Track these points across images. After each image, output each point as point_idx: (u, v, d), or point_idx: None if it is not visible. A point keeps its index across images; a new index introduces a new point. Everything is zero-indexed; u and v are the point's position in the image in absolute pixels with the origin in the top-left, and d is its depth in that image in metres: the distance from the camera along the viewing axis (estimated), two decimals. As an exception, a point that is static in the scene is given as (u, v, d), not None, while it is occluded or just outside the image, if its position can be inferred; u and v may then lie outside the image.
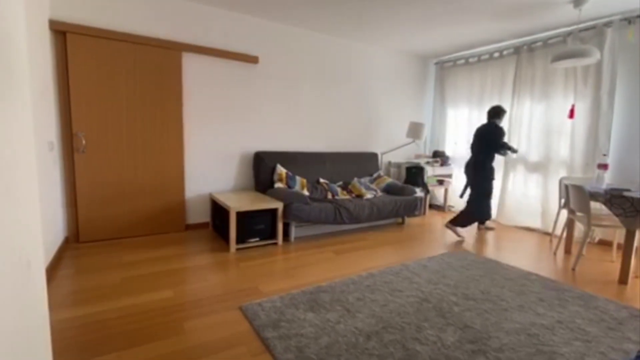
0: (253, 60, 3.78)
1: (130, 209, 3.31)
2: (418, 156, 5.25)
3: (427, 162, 4.92)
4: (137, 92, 3.22)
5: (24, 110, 1.00)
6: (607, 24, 3.40)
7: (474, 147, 3.83)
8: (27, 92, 1.04)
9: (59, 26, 2.82)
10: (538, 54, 4.00)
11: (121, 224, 3.29)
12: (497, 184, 4.50)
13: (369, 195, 3.92)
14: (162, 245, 3.13)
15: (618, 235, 3.21)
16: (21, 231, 0.95)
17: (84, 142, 3.04)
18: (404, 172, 4.94)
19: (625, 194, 2.55)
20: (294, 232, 3.43)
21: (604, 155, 3.32)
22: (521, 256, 3.17)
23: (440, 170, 4.98)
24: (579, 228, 3.50)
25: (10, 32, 0.92)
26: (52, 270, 2.44)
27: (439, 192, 5.29)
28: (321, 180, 4.11)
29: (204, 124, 3.64)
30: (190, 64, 3.48)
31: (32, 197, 1.05)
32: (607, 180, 3.26)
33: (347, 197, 3.88)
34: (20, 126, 0.97)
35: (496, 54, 4.44)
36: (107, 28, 3.05)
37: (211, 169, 3.74)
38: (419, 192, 4.26)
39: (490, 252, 3.27)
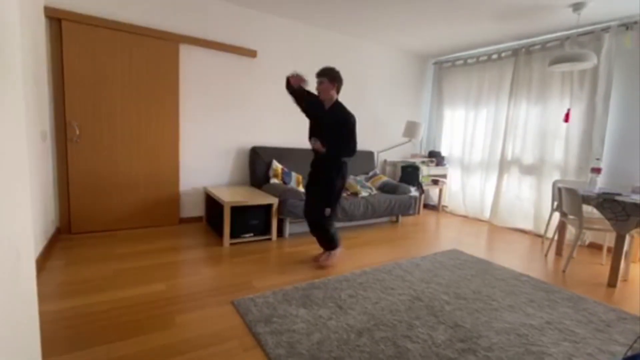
0: (251, 54, 3.75)
1: (124, 201, 3.28)
2: (414, 155, 5.27)
3: (423, 162, 4.93)
4: (132, 82, 3.18)
5: (15, 97, 0.98)
6: (605, 29, 3.43)
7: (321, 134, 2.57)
8: (20, 79, 1.02)
9: (54, 13, 2.77)
10: (536, 57, 4.02)
11: (114, 215, 3.26)
12: (491, 186, 4.56)
13: (364, 193, 3.93)
14: (155, 238, 3.11)
15: (608, 239, 3.26)
16: (10, 221, 0.93)
17: (77, 131, 3.00)
18: (399, 171, 4.95)
19: (617, 198, 2.58)
20: (288, 228, 3.43)
21: (597, 159, 3.36)
22: (513, 257, 3.20)
23: (435, 170, 5.00)
24: (571, 231, 3.54)
25: (4, 17, 0.90)
26: (43, 261, 2.41)
27: (433, 192, 5.32)
28: (317, 177, 4.10)
29: (200, 117, 3.61)
30: (188, 56, 3.44)
31: (23, 186, 1.04)
32: (600, 184, 3.30)
33: (343, 194, 3.87)
34: (12, 114, 0.95)
35: (494, 56, 4.45)
36: (104, 17, 3.00)
37: (206, 162, 3.72)
38: (413, 192, 4.28)
39: (482, 252, 3.30)
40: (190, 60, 3.46)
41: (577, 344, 1.81)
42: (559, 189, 3.04)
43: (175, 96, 3.40)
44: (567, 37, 3.70)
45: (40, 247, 2.44)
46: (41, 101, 2.67)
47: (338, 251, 2.78)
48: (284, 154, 3.96)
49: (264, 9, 3.71)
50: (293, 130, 4.24)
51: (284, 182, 3.69)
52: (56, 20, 2.82)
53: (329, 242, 2.72)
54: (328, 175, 2.58)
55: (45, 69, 2.80)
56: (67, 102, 2.93)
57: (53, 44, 2.84)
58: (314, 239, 3.38)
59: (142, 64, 3.20)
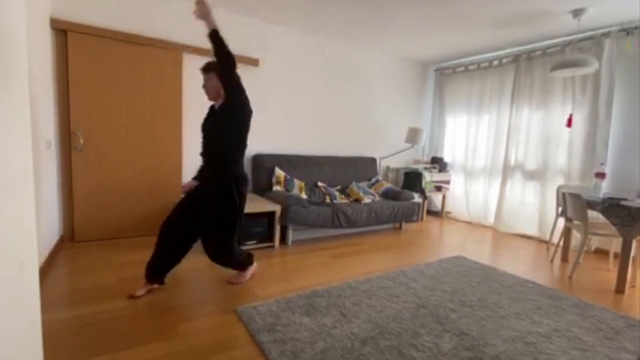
0: (253, 62, 3.78)
1: (127, 210, 3.29)
2: (416, 162, 5.26)
3: (425, 168, 4.93)
4: (136, 92, 3.21)
5: (22, 107, 0.99)
6: (606, 35, 3.44)
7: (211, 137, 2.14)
8: (26, 89, 1.03)
9: (60, 24, 2.82)
10: (537, 63, 4.03)
11: (117, 224, 3.26)
12: (494, 191, 4.53)
13: (367, 199, 3.92)
14: (158, 247, 3.10)
15: (615, 244, 3.22)
16: (15, 229, 0.93)
17: (81, 141, 3.02)
18: (402, 177, 4.95)
19: (622, 203, 2.56)
20: (291, 235, 3.42)
21: (602, 164, 3.34)
22: (518, 263, 3.17)
23: (438, 176, 4.99)
24: (576, 236, 3.50)
25: (10, 28, 0.91)
26: (46, 270, 2.41)
27: (436, 198, 5.29)
28: (319, 183, 4.10)
29: (203, 125, 3.63)
30: (191, 65, 3.47)
31: (28, 195, 1.04)
32: (604, 189, 3.27)
33: (345, 201, 3.87)
34: (18, 123, 0.96)
35: (495, 62, 4.47)
36: (109, 28, 3.05)
37: (209, 170, 3.72)
38: (416, 198, 4.26)
39: (487, 259, 3.27)
40: (193, 69, 3.49)
41: (586, 352, 1.78)
42: (563, 195, 3.02)
43: (178, 105, 3.42)
44: (568, 43, 3.71)
45: (43, 256, 2.45)
46: (46, 110, 2.70)
47: (252, 267, 2.48)
48: (287, 161, 3.97)
49: (266, 19, 3.76)
50: (295, 137, 4.26)
51: (287, 189, 3.68)
52: (62, 31, 2.87)
53: (239, 265, 2.36)
54: (228, 199, 2.05)
55: (51, 79, 2.84)
56: (72, 111, 2.96)
57: (59, 55, 2.88)
58: (317, 246, 3.38)
59: (146, 74, 3.24)
